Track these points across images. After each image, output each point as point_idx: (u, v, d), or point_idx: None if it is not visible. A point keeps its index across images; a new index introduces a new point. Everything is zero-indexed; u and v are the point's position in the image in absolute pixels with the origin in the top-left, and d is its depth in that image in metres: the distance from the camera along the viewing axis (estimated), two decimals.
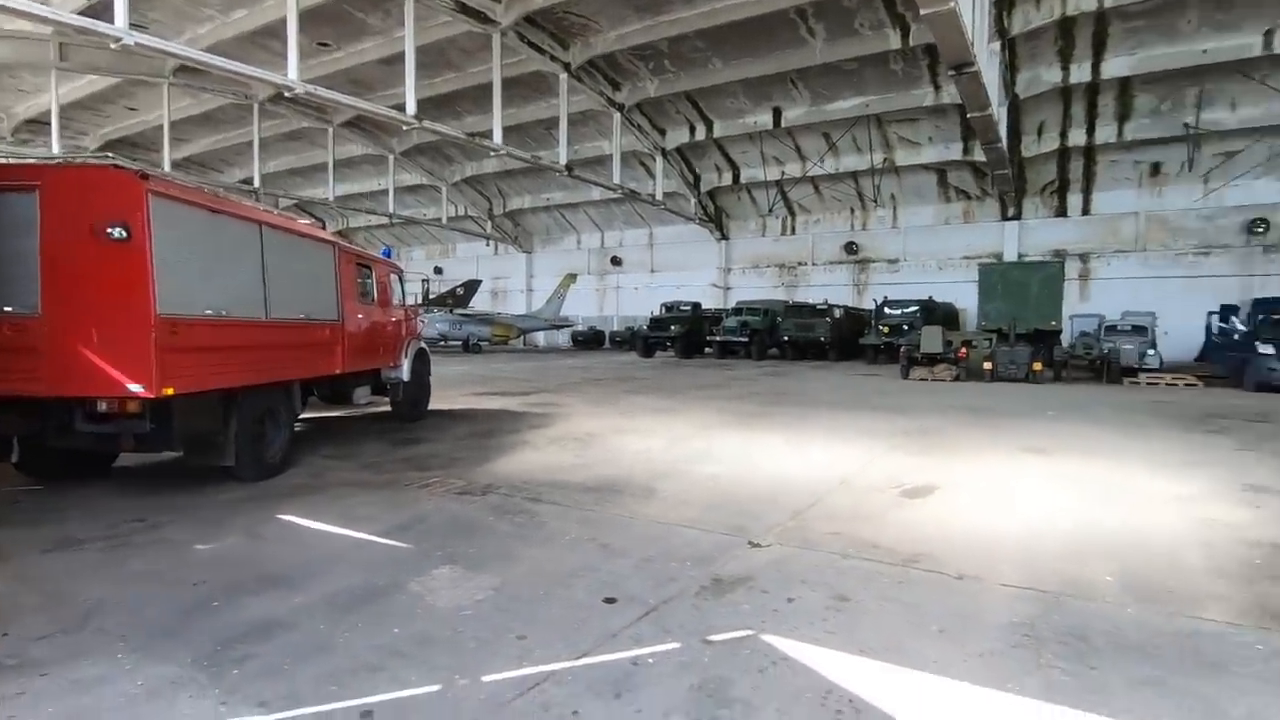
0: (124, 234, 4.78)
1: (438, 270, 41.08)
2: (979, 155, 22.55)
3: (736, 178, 29.77)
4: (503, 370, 20.46)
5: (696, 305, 29.51)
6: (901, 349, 19.04)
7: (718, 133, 26.60)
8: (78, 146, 27.59)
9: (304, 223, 7.63)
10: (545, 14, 19.03)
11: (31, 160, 6.67)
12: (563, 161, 22.22)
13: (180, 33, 18.90)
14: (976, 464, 7.09)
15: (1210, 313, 19.78)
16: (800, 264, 31.95)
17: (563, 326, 35.66)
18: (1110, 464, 7.06)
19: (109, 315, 4.91)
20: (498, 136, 19.20)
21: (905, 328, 22.14)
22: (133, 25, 12.22)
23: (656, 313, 29.19)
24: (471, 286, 33.27)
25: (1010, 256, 26.24)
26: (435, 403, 11.07)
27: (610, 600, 3.56)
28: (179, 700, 2.61)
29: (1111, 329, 20.63)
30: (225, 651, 2.99)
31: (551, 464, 7.01)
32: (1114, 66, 19.97)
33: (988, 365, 17.30)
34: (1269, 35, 18.02)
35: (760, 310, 26.74)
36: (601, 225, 36.80)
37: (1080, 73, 20.32)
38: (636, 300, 35.12)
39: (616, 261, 36.58)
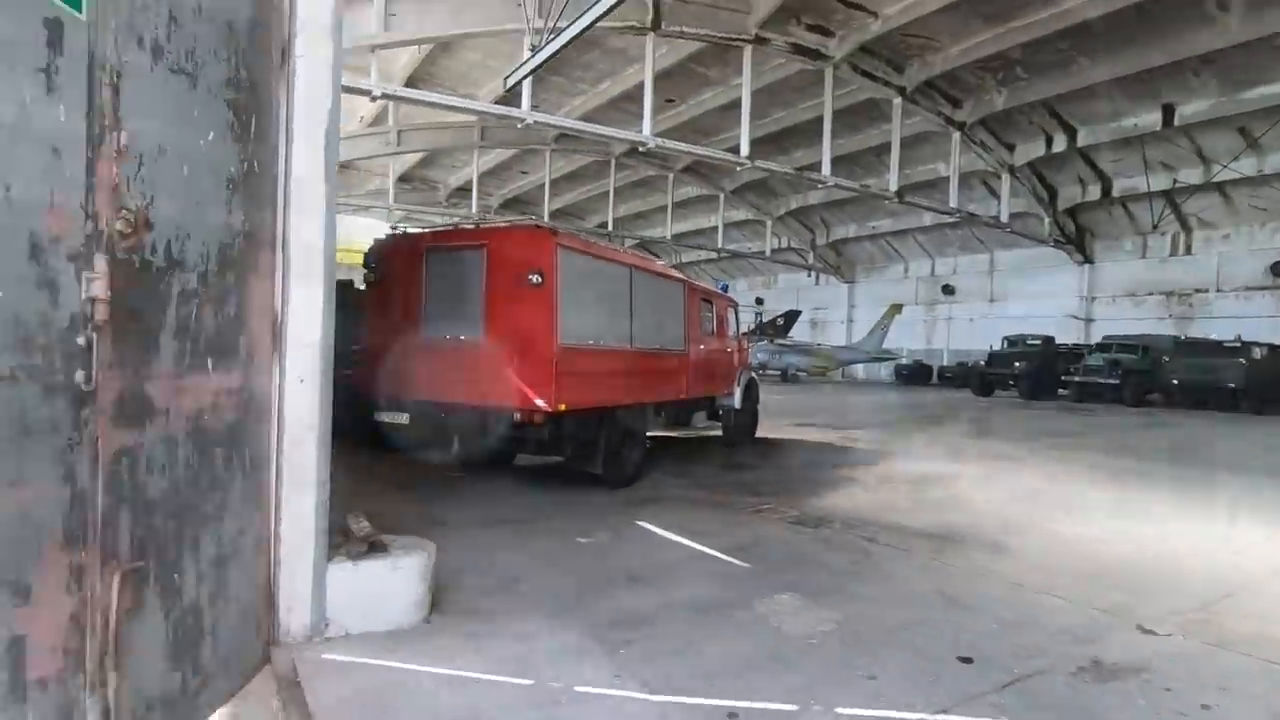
0: (539, 279, 6.00)
1: (759, 301, 42.50)
2: None
3: (1106, 191, 25.37)
4: (822, 403, 20.30)
5: (1049, 339, 25.68)
6: None
7: (1082, 141, 23.02)
8: (487, 207, 34.94)
9: (661, 264, 8.66)
10: (881, 40, 18.62)
11: (472, 224, 8.71)
12: (893, 188, 21.41)
13: (560, 107, 22.83)
14: None
15: None
16: (1198, 291, 25.83)
17: (885, 359, 33.95)
18: None
19: (525, 344, 6.17)
20: (826, 169, 19.33)
21: None
22: (530, 107, 15.21)
23: (997, 346, 26.17)
24: (791, 317, 33.66)
25: None
26: (758, 431, 11.50)
27: (966, 660, 3.35)
28: (584, 665, 3.19)
29: None
30: (610, 633, 3.55)
31: (883, 504, 6.80)
32: None
33: None
34: None
35: (1137, 346, 22.29)
36: (932, 252, 34.37)
37: None
38: (971, 333, 31.90)
39: (948, 290, 33.69)
